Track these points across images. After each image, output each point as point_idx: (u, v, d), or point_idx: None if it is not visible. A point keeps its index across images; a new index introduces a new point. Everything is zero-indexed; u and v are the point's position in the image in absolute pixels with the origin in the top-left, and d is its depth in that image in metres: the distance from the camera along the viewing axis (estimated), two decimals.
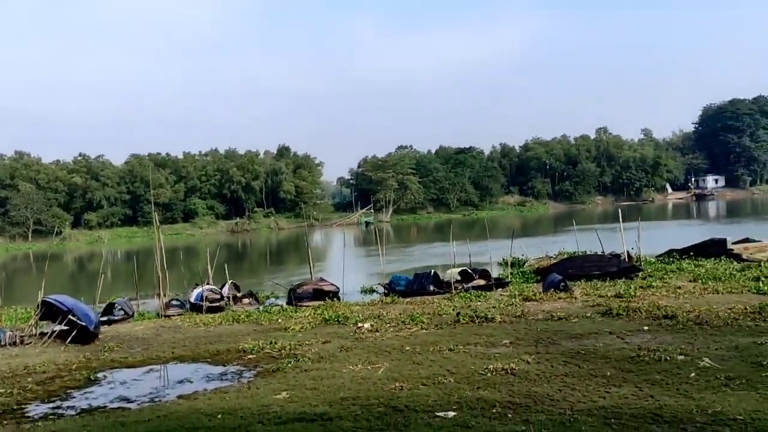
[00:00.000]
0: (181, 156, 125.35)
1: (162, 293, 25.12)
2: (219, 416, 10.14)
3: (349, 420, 9.50)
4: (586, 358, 12.76)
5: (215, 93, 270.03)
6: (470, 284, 26.80)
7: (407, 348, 14.61)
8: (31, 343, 18.21)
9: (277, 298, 28.17)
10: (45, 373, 14.62)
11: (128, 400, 12.12)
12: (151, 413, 10.78)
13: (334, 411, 10.01)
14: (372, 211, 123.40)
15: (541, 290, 23.08)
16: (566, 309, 18.74)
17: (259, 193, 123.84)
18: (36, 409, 11.84)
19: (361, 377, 12.19)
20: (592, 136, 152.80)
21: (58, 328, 18.43)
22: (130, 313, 25.11)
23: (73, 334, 17.77)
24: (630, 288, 21.78)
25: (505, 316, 18.02)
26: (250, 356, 15.08)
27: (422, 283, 26.86)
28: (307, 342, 16.10)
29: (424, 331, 16.79)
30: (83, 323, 17.77)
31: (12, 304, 29.84)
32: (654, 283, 23.10)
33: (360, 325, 17.84)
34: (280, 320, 20.15)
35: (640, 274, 25.89)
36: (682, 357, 12.29)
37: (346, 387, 11.52)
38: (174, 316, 24.21)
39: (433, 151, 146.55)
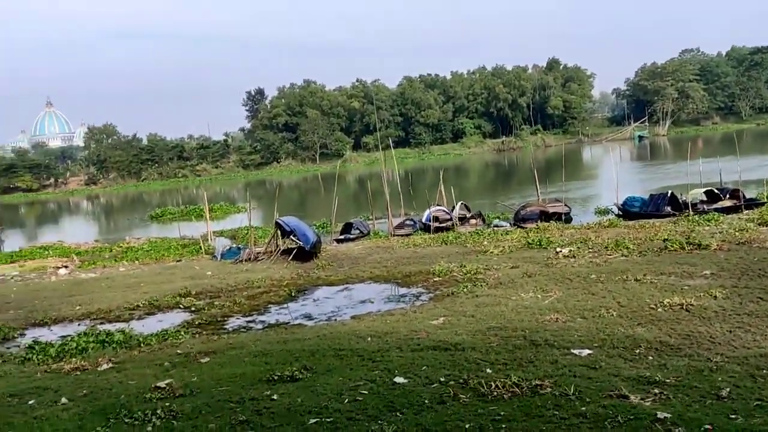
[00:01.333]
0: (449, 76, 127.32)
1: (390, 214, 26.38)
2: (368, 339, 10.67)
3: (480, 351, 9.45)
4: None
5: (481, 13, 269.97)
6: (713, 206, 24.35)
7: (592, 276, 13.93)
8: (263, 259, 20.43)
9: (506, 219, 28.02)
10: (259, 288, 16.44)
11: (310, 318, 13.26)
12: (316, 332, 11.67)
13: (472, 341, 10.02)
14: (646, 124, 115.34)
15: None
16: None
17: (526, 110, 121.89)
18: (234, 322, 13.45)
19: (524, 306, 11.95)
20: None
21: (282, 247, 20.44)
22: (365, 232, 26.82)
23: (294, 252, 19.61)
24: None
25: (723, 243, 16.23)
26: (436, 279, 15.47)
27: (657, 205, 25.01)
28: (495, 266, 16.05)
29: (623, 258, 15.81)
30: (300, 243, 19.51)
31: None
32: None
33: (558, 250, 17.28)
34: (485, 242, 20.22)
35: None
36: None
37: (502, 316, 11.40)
38: (402, 236, 25.34)
39: (724, 53, 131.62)
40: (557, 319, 10.86)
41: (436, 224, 26.40)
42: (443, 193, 30.95)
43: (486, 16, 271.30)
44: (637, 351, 8.92)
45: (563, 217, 26.61)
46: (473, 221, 27.59)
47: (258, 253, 20.90)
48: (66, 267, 24.73)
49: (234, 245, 23.19)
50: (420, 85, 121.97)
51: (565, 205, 29.33)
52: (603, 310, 11.12)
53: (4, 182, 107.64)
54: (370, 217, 29.64)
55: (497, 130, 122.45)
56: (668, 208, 24.65)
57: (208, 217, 28.57)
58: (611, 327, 10.14)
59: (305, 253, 19.67)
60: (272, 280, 17.16)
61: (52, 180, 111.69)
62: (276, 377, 8.78)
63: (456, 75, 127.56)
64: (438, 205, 29.27)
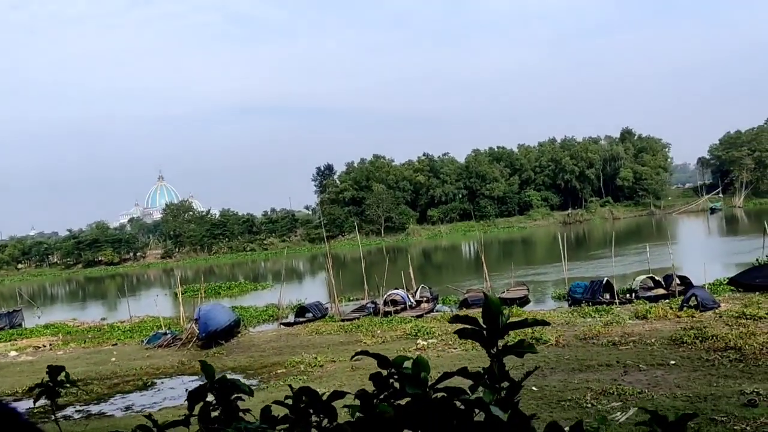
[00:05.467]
0: (515, 149, 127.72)
1: (336, 298, 27.35)
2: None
3: None
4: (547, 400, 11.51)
5: (560, 81, 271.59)
6: (648, 294, 24.20)
7: None
8: (174, 345, 21.83)
9: (455, 303, 28.42)
10: (129, 376, 17.80)
11: (128, 409, 14.53)
12: (97, 424, 12.90)
13: None
14: (720, 195, 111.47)
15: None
16: (657, 331, 16.30)
17: (595, 182, 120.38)
18: (66, 411, 14.84)
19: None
20: None
21: (184, 336, 21.82)
22: (318, 316, 27.75)
23: (194, 340, 20.94)
24: None
25: (570, 338, 16.43)
26: (281, 371, 16.41)
27: (594, 292, 24.95)
28: (342, 359, 16.80)
29: (462, 351, 16.32)
30: (198, 331, 20.84)
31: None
32: None
33: (420, 342, 17.85)
34: (378, 331, 20.89)
35: None
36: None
37: None
38: (350, 320, 26.12)
39: None
40: None
41: (386, 308, 27.10)
42: (412, 274, 31.72)
43: (560, 87, 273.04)
44: None
45: (517, 302, 26.68)
46: (424, 305, 28.16)
47: (174, 339, 22.30)
48: (40, 347, 26.97)
49: (163, 330, 24.65)
50: (486, 158, 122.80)
51: (527, 289, 29.59)
52: None
53: (90, 256, 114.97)
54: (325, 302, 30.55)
55: (566, 203, 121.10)
56: (605, 296, 24.58)
57: (181, 299, 30.17)
58: None
59: (208, 341, 20.93)
60: (153, 368, 18.52)
61: (131, 254, 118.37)
62: None
63: (523, 147, 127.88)
64: (396, 288, 29.94)
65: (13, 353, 24.64)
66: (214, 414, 2.39)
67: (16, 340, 30.84)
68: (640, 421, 2.06)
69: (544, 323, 2.93)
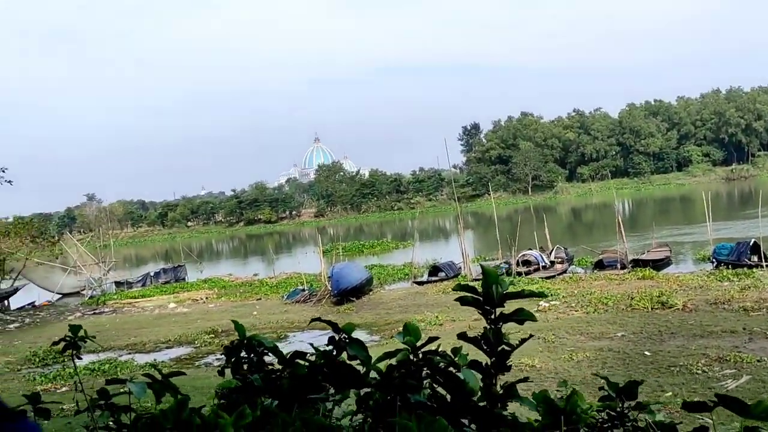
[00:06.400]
0: (674, 102, 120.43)
1: (467, 258, 27.58)
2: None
3: None
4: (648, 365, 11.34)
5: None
6: None
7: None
8: (310, 301, 23.02)
9: (590, 265, 27.79)
10: (267, 329, 19.09)
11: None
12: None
13: None
14: None
15: None
16: None
17: (764, 135, 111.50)
18: (207, 359, 16.26)
19: None
20: None
21: (319, 293, 22.91)
22: (451, 275, 28.18)
23: (326, 297, 22.01)
24: None
25: (699, 303, 15.78)
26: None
27: (739, 254, 23.53)
28: (462, 318, 17.09)
29: (584, 314, 16.13)
30: (330, 288, 21.85)
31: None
32: None
33: (542, 303, 17.77)
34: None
35: None
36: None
37: None
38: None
39: None
40: None
41: (518, 269, 27.05)
42: (547, 234, 31.34)
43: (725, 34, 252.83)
44: None
45: (650, 264, 25.73)
46: (558, 266, 27.77)
47: (311, 295, 23.50)
48: (197, 300, 29.40)
49: (302, 286, 25.93)
50: (641, 113, 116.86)
51: (669, 250, 28.42)
52: None
53: (250, 215, 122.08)
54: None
55: (730, 158, 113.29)
56: (752, 258, 23.14)
57: (321, 257, 31.54)
58: None
59: (340, 297, 21.95)
60: (287, 322, 19.76)
61: (287, 213, 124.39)
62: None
63: (682, 100, 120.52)
64: (529, 248, 29.68)
65: (172, 305, 27.07)
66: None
67: (178, 293, 33.70)
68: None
69: (541, 295, 3.13)
